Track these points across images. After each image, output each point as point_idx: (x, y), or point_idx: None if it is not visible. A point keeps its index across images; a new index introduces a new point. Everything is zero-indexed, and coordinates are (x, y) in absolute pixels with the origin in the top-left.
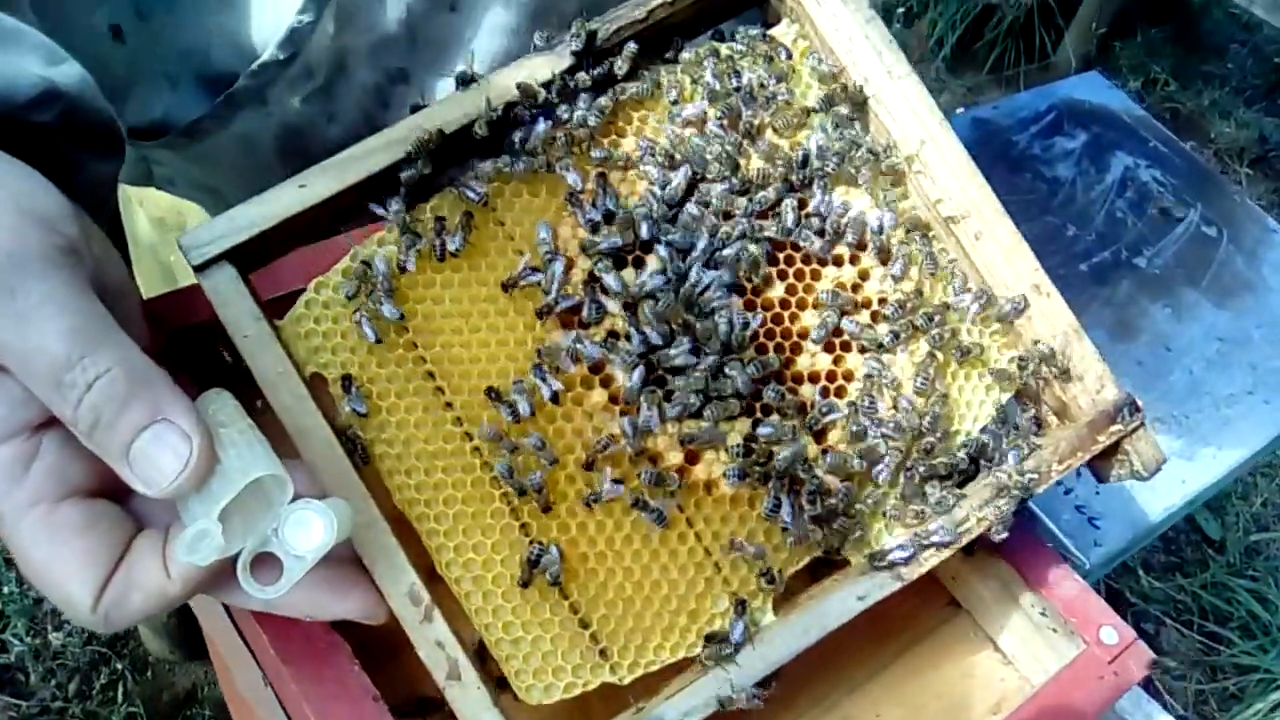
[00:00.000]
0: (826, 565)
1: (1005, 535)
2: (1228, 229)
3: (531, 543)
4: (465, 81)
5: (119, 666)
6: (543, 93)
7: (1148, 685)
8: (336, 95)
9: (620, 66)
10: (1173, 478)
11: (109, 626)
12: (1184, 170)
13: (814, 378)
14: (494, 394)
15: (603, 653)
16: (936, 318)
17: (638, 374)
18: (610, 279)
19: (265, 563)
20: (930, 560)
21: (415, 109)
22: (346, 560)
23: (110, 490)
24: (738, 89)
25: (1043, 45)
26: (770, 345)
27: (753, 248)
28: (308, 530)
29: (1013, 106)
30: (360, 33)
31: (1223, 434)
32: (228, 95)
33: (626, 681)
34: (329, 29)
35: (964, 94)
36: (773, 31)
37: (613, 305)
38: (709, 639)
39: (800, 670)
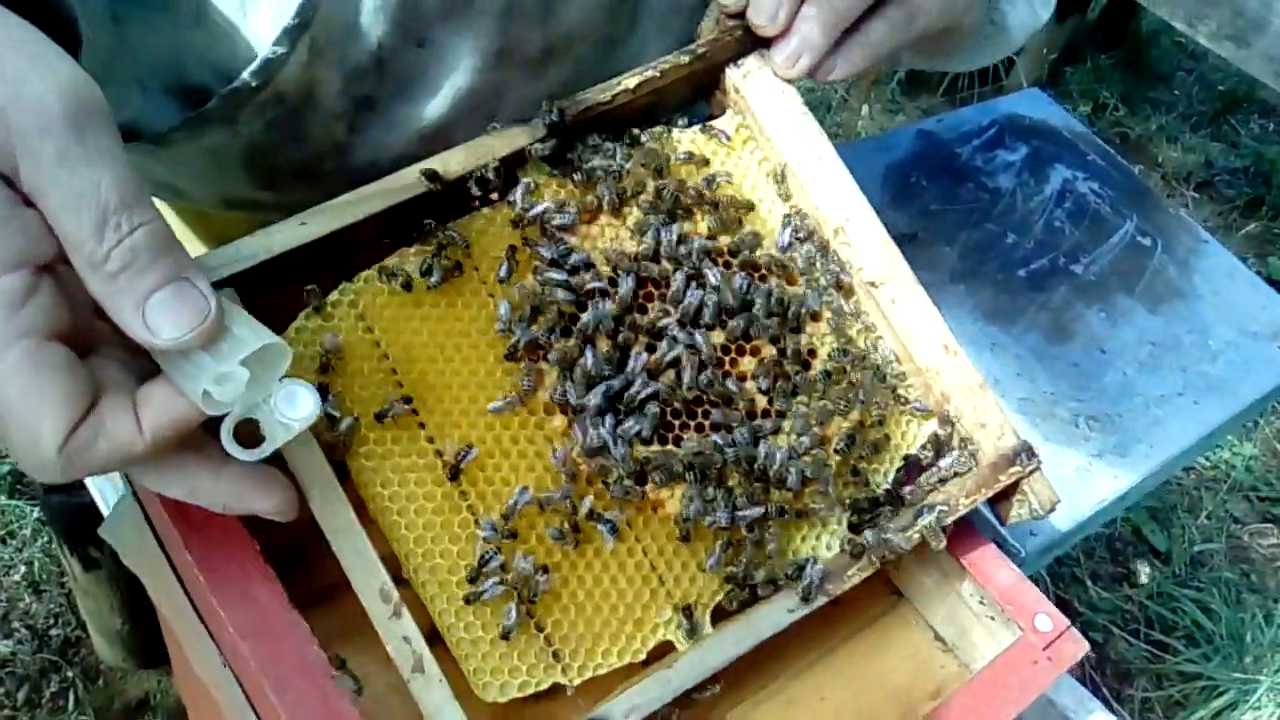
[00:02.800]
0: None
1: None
2: (1161, 239)
3: (485, 542)
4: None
5: (69, 675)
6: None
7: (1095, 691)
8: (304, 120)
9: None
10: (1106, 474)
11: (67, 472)
12: (1121, 183)
13: (750, 415)
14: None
15: (555, 655)
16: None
17: (597, 394)
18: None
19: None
20: (854, 579)
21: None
22: (271, 464)
23: (79, 346)
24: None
25: (995, 70)
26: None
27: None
28: (295, 403)
29: (956, 120)
30: (332, 64)
31: (1154, 433)
32: (199, 113)
33: (576, 683)
34: (302, 59)
35: (919, 116)
36: (715, 122)
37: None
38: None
39: (747, 654)
